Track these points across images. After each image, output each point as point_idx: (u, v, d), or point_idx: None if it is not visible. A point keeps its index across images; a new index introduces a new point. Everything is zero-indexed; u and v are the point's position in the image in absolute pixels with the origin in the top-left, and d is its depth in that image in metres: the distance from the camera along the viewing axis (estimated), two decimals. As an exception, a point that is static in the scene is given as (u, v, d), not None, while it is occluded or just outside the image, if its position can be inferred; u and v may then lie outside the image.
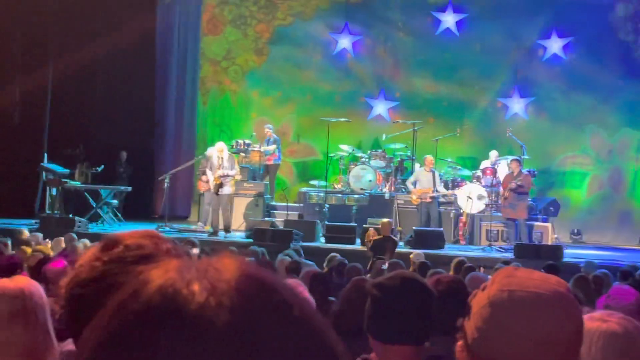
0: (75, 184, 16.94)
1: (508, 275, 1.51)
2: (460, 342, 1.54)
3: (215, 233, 15.50)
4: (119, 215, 17.31)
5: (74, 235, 11.56)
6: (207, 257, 0.83)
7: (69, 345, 2.46)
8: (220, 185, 15.48)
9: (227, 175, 15.53)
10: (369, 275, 8.89)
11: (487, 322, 1.46)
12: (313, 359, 0.76)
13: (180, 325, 0.73)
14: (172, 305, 0.74)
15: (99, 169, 17.41)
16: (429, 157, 16.75)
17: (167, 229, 16.01)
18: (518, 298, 1.46)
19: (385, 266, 8.99)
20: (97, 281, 1.62)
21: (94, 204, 16.54)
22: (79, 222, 15.29)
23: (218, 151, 15.63)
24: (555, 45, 19.69)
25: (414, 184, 16.64)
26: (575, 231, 18.83)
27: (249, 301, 0.75)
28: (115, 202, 17.16)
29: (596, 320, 2.27)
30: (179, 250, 1.72)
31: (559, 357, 1.44)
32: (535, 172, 17.20)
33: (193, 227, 16.80)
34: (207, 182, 15.77)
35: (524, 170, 16.20)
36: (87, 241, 10.67)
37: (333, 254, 10.83)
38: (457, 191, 16.75)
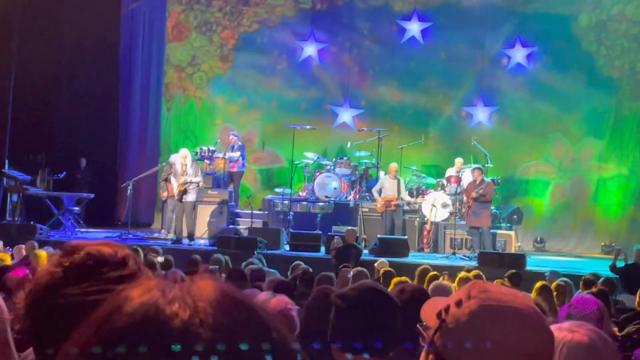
0: (37, 190, 16.75)
1: (482, 290, 1.50)
2: (431, 356, 1.51)
3: (178, 240, 15.40)
4: (81, 222, 17.14)
5: (35, 243, 11.40)
6: (186, 277, 0.83)
7: (30, 355, 2.39)
8: (184, 192, 15.39)
9: (191, 182, 15.44)
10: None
11: (468, 337, 1.44)
12: None
13: (164, 343, 0.73)
14: (155, 323, 0.75)
15: (61, 176, 17.23)
16: (393, 165, 16.81)
17: (130, 236, 15.88)
18: (499, 313, 1.45)
19: (350, 275, 8.97)
20: (57, 288, 1.61)
21: (55, 210, 16.36)
22: (41, 229, 15.10)
23: (182, 158, 15.54)
24: (519, 54, 19.84)
25: (380, 192, 16.68)
26: (539, 239, 18.97)
27: (229, 319, 0.76)
28: (77, 209, 16.98)
29: (564, 330, 2.29)
30: (137, 259, 1.73)
31: None
32: (499, 181, 17.31)
33: (156, 234, 16.67)
34: (170, 190, 15.65)
35: (487, 179, 16.29)
36: (50, 249, 10.53)
37: (297, 262, 10.80)
38: (421, 199, 16.80)
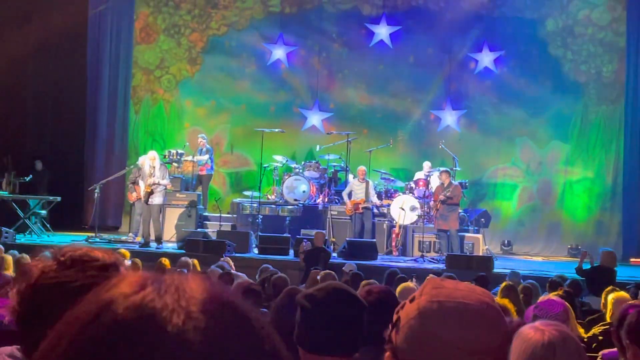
0: (3, 193, 16.57)
1: (436, 287, 1.51)
2: (388, 354, 1.52)
3: (146, 244, 15.30)
4: (48, 225, 16.97)
5: (1, 247, 11.27)
6: (174, 275, 0.82)
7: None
8: (151, 193, 15.29)
9: (158, 184, 15.35)
10: (303, 285, 8.86)
11: (416, 332, 1.45)
12: None
13: (157, 346, 0.72)
14: (148, 326, 0.73)
15: (27, 179, 17.07)
16: (362, 168, 16.86)
17: (97, 239, 15.76)
18: (447, 309, 1.45)
19: (319, 277, 8.97)
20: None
21: (21, 214, 16.20)
22: (6, 232, 14.94)
23: (150, 159, 15.46)
24: (486, 58, 19.98)
25: (349, 195, 16.71)
26: (506, 242, 19.09)
27: (219, 322, 0.76)
28: (43, 212, 16.82)
29: (532, 329, 2.33)
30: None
31: None
32: (467, 184, 17.41)
33: (124, 237, 16.56)
34: (138, 192, 15.56)
35: (454, 182, 16.39)
36: (15, 253, 10.40)
37: (265, 265, 10.77)
38: (389, 202, 16.85)
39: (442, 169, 17.01)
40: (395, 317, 1.52)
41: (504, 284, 8.53)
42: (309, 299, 2.56)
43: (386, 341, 1.54)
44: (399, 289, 6.72)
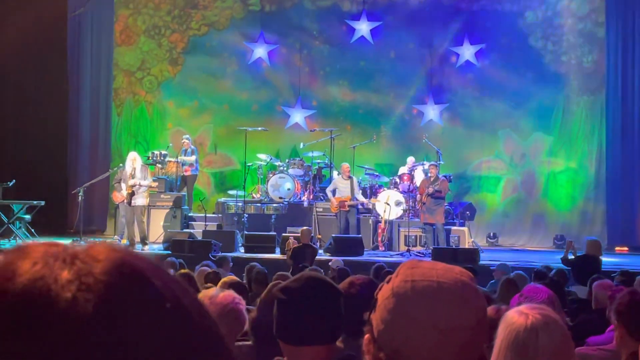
0: (-14, 199, 16.46)
1: (411, 267, 1.51)
2: (367, 335, 1.52)
3: (131, 246, 15.25)
4: (32, 230, 16.88)
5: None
6: (77, 245, 0.79)
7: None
8: (132, 194, 15.24)
9: (140, 185, 15.30)
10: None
11: (391, 313, 1.46)
12: (186, 348, 0.74)
13: (47, 323, 0.70)
14: (40, 302, 0.71)
15: (10, 184, 16.96)
16: (345, 165, 16.86)
17: (83, 243, 15.66)
18: (420, 288, 1.46)
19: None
20: None
21: (5, 219, 16.11)
22: (-10, 238, 14.86)
23: (131, 161, 15.42)
24: (467, 52, 20.03)
25: (333, 192, 16.71)
26: (491, 234, 19.16)
27: (116, 295, 0.72)
28: (27, 217, 16.73)
29: (516, 313, 2.34)
30: None
31: (463, 344, 1.44)
32: (451, 177, 17.45)
33: (109, 240, 16.50)
34: (122, 194, 15.52)
35: (441, 176, 16.43)
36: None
37: (252, 263, 10.75)
38: (374, 200, 16.87)
39: (427, 163, 17.09)
40: (374, 299, 1.53)
41: (504, 278, 8.49)
42: (284, 291, 2.57)
43: (365, 323, 1.54)
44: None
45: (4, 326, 0.70)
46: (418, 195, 16.32)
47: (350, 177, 16.67)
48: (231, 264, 11.33)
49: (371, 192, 17.37)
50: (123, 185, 15.45)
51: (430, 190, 15.78)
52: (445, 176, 16.79)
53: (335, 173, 17.63)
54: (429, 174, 16.30)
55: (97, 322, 0.70)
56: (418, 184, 16.97)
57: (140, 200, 15.42)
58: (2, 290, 0.72)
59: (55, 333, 0.69)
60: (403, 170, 17.84)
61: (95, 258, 0.75)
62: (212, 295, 3.96)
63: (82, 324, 0.70)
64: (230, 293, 4.13)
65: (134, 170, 15.30)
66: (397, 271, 1.52)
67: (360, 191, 17.03)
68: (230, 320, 3.84)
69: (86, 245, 0.78)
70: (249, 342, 3.87)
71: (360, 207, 17.05)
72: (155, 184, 16.40)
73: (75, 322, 0.70)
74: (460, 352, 1.44)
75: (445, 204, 16.61)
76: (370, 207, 17.13)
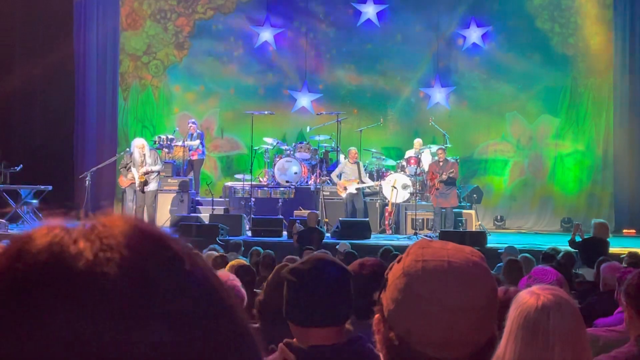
0: (-6, 184, 16.51)
1: (422, 247, 1.51)
2: (377, 315, 1.52)
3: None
4: (40, 215, 16.92)
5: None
6: (96, 215, 0.80)
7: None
8: (145, 183, 15.27)
9: (152, 172, 15.33)
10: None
11: (402, 292, 1.46)
12: (205, 311, 0.75)
13: (68, 284, 0.70)
14: (59, 264, 0.71)
15: (18, 169, 17.00)
16: (353, 150, 16.84)
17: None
18: (431, 268, 1.45)
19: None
20: None
21: (13, 204, 16.15)
22: (-1, 223, 14.91)
23: (138, 148, 15.39)
24: (474, 34, 19.95)
25: (339, 176, 16.71)
26: (499, 217, 19.14)
27: (139, 256, 0.73)
28: (35, 201, 16.76)
29: (528, 293, 2.34)
30: None
31: (474, 323, 1.44)
32: (458, 160, 17.43)
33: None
34: (130, 178, 15.54)
35: (451, 159, 16.44)
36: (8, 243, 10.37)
37: (255, 248, 10.77)
38: (382, 182, 16.87)
39: (435, 146, 17.12)
40: (384, 279, 1.53)
41: (507, 259, 8.52)
42: (293, 273, 2.57)
43: (375, 303, 1.54)
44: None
45: (23, 289, 0.70)
46: (429, 181, 16.25)
47: (357, 162, 16.67)
48: (242, 248, 11.36)
49: (378, 175, 17.36)
50: (134, 170, 15.44)
51: (444, 176, 15.77)
52: (453, 159, 16.79)
53: (342, 157, 17.61)
54: (438, 158, 16.29)
55: (121, 281, 0.71)
56: (425, 167, 16.96)
57: (152, 185, 15.45)
58: (19, 254, 0.73)
59: (77, 293, 0.70)
60: (410, 153, 17.81)
61: (114, 223, 0.76)
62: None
63: (105, 284, 0.70)
64: (224, 272, 4.19)
65: (143, 157, 15.30)
66: (407, 251, 1.52)
67: (367, 175, 17.02)
68: None
69: (103, 215, 0.78)
70: (257, 325, 3.88)
71: (367, 190, 17.06)
72: (163, 168, 16.43)
73: (98, 282, 0.70)
74: (470, 331, 1.44)
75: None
76: (377, 189, 17.12)
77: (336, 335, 2.50)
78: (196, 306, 0.74)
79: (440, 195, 15.89)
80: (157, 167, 15.47)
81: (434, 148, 17.30)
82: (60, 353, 0.68)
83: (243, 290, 4.07)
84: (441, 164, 16.06)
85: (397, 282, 1.47)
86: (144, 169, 15.22)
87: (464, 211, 16.84)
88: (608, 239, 11.62)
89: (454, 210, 16.33)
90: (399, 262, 1.51)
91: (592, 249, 10.79)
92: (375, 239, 15.03)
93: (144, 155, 15.32)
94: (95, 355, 0.68)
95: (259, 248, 10.15)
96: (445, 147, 17.03)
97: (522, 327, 2.32)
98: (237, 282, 4.10)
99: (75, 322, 0.69)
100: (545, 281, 4.73)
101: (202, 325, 0.73)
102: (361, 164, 16.82)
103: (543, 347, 2.30)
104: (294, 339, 2.55)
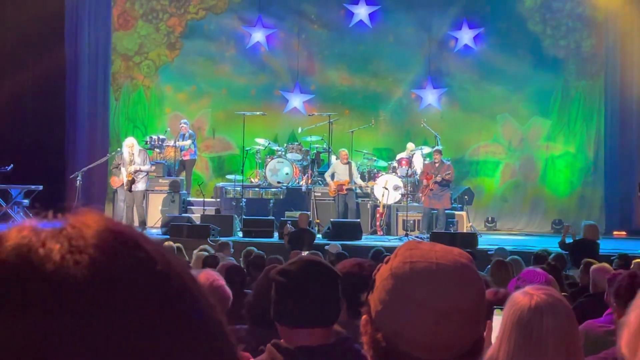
0: (-16, 184, 16.45)
1: (410, 248, 1.50)
2: (364, 316, 1.52)
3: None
4: (30, 215, 16.86)
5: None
6: (66, 214, 0.78)
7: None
8: (133, 182, 15.26)
9: (140, 171, 15.31)
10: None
11: (389, 294, 1.45)
12: (177, 311, 0.74)
13: (34, 286, 0.69)
14: (27, 265, 0.70)
15: (8, 168, 16.94)
16: (344, 151, 16.89)
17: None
18: (419, 269, 1.45)
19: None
20: None
21: (3, 204, 16.10)
22: (-11, 223, 14.84)
23: (128, 147, 15.40)
24: (466, 36, 19.98)
25: (332, 176, 16.72)
26: (490, 219, 19.17)
27: (108, 257, 0.72)
28: (26, 201, 16.71)
29: (521, 294, 2.35)
30: None
31: (461, 325, 1.44)
32: (449, 162, 17.45)
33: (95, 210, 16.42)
34: (121, 178, 15.53)
35: (446, 161, 16.48)
36: None
37: (250, 248, 10.77)
38: (372, 183, 16.89)
39: (427, 148, 17.19)
40: (372, 280, 1.52)
41: (494, 260, 8.55)
42: (282, 274, 2.57)
43: (363, 304, 1.53)
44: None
45: None
46: (424, 181, 16.27)
47: (348, 162, 16.69)
48: (232, 250, 11.34)
49: (369, 176, 17.37)
50: (123, 170, 15.43)
51: (439, 178, 15.81)
52: (448, 161, 16.87)
53: (333, 157, 17.62)
54: (434, 159, 16.33)
55: (89, 283, 0.70)
56: (417, 169, 17.00)
57: (141, 185, 15.44)
58: None
59: (43, 295, 0.69)
60: (402, 155, 17.83)
61: (85, 224, 0.75)
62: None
63: (72, 286, 0.69)
64: (209, 271, 4.19)
65: (132, 156, 15.29)
66: (395, 252, 1.51)
67: (359, 175, 17.03)
68: (217, 297, 3.88)
69: (74, 215, 0.77)
70: (246, 326, 3.88)
71: (358, 190, 17.07)
72: (153, 168, 16.41)
73: (65, 284, 0.69)
74: (458, 333, 1.43)
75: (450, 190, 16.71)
76: (368, 190, 17.14)
77: (324, 336, 2.50)
78: (166, 307, 0.73)
79: (434, 197, 15.93)
80: (145, 167, 15.45)
81: (426, 150, 17.33)
82: (24, 355, 0.68)
83: (228, 290, 4.07)
84: (437, 165, 16.11)
85: (385, 283, 1.47)
86: (132, 168, 15.21)
87: (456, 212, 16.86)
88: (598, 241, 11.67)
89: (446, 211, 16.36)
90: (386, 263, 1.51)
91: (582, 250, 10.83)
92: (366, 240, 15.05)
93: (133, 154, 15.32)
94: (59, 357, 0.68)
95: (253, 248, 10.15)
96: (441, 148, 17.07)
97: (516, 327, 2.33)
98: (222, 282, 4.09)
99: (40, 324, 0.68)
100: (535, 282, 4.73)
101: (172, 326, 0.72)
102: (353, 164, 16.83)
103: (536, 347, 2.30)
104: (282, 340, 2.55)
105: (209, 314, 0.77)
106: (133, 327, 0.70)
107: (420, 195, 16.40)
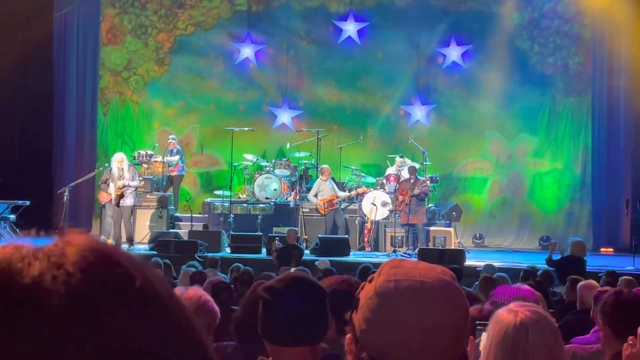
0: (-30, 199, 16.37)
1: (394, 266, 1.50)
2: (349, 335, 1.52)
3: (118, 246, 15.16)
4: (17, 230, 16.78)
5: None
6: (53, 234, 0.80)
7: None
8: (121, 197, 15.22)
9: (129, 186, 15.28)
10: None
11: (374, 312, 1.45)
12: (156, 327, 0.74)
13: (12, 301, 0.70)
14: (4, 278, 0.72)
15: (-5, 183, 16.87)
16: (325, 167, 16.96)
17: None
18: (403, 287, 1.45)
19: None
20: None
21: (-10, 219, 16.02)
22: (-25, 238, 14.78)
23: (117, 162, 15.38)
24: (454, 53, 20.06)
25: (316, 195, 16.73)
26: (478, 235, 19.19)
27: (86, 274, 0.73)
28: (12, 217, 16.63)
29: (505, 311, 2.34)
30: None
31: (446, 344, 1.44)
32: (437, 178, 17.47)
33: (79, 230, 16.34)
34: (110, 193, 15.49)
35: (420, 178, 16.52)
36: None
37: (236, 264, 10.74)
38: (360, 189, 16.94)
39: (412, 163, 17.19)
40: (355, 299, 1.52)
41: (482, 276, 8.56)
42: (268, 291, 2.55)
43: (347, 323, 1.53)
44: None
45: None
46: (400, 197, 16.31)
47: (330, 179, 16.79)
48: (219, 266, 11.31)
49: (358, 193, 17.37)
50: (111, 185, 15.39)
51: (416, 191, 15.84)
52: (431, 177, 16.88)
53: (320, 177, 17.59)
54: (409, 176, 16.39)
55: (64, 298, 0.71)
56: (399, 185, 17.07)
57: (129, 200, 15.42)
58: None
59: (18, 311, 0.70)
60: (391, 170, 17.83)
61: (69, 242, 0.76)
62: (179, 292, 3.98)
63: (50, 301, 0.70)
64: (196, 289, 4.18)
65: (121, 172, 15.26)
66: (379, 270, 1.51)
67: (347, 190, 17.12)
68: (204, 313, 3.87)
69: (57, 234, 0.79)
70: (233, 343, 3.86)
71: (346, 203, 17.12)
72: (142, 184, 16.38)
73: (40, 300, 0.70)
74: (442, 351, 1.43)
75: (431, 205, 16.70)
76: (354, 196, 17.11)
77: (311, 354, 2.49)
78: (143, 323, 0.73)
79: (410, 212, 15.95)
80: (134, 183, 15.44)
81: (411, 164, 17.39)
82: None
83: (216, 308, 4.06)
84: (412, 181, 16.16)
85: (369, 302, 1.47)
86: (120, 183, 15.18)
87: (443, 229, 16.87)
88: (585, 258, 11.69)
89: (426, 227, 16.40)
90: (370, 281, 1.51)
91: (570, 267, 10.84)
92: (354, 256, 15.03)
93: (122, 169, 15.29)
94: None
95: (239, 264, 10.12)
96: (424, 164, 17.10)
97: (501, 344, 2.33)
98: (209, 299, 4.08)
99: (12, 335, 0.69)
100: (509, 298, 4.73)
101: (147, 343, 0.73)
102: (332, 179, 16.95)
103: (522, 364, 2.30)
104: (269, 357, 2.54)
105: (187, 331, 0.77)
106: (105, 342, 0.71)
107: (398, 210, 16.35)
